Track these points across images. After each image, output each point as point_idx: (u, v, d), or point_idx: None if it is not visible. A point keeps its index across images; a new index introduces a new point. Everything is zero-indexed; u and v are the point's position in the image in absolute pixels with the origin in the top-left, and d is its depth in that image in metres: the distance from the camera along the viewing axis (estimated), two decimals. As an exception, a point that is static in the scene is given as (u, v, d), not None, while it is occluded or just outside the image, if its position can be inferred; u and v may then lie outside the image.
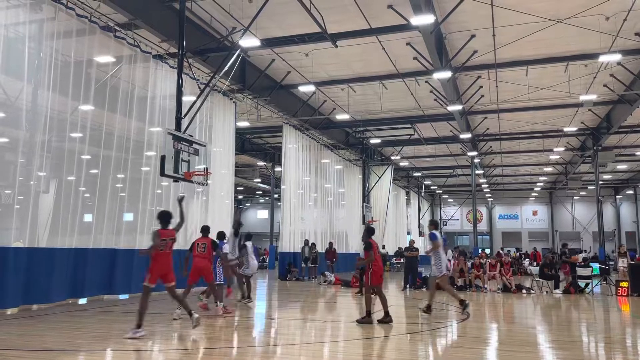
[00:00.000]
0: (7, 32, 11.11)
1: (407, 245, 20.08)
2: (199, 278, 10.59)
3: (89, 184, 12.96)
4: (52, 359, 6.61)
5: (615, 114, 23.21)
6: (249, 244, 13.04)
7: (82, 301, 12.39)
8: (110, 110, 13.47)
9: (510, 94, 20.66)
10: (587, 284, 17.34)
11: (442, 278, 11.54)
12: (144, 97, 14.65)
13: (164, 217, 8.53)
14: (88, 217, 13.26)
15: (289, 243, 23.18)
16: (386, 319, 9.62)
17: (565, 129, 25.23)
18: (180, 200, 8.94)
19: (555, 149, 29.90)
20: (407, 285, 17.98)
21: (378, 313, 10.28)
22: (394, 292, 17.24)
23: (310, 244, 22.91)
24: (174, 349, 7.60)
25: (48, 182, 12.90)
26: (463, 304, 11.18)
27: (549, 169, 38.47)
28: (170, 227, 8.48)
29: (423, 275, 19.17)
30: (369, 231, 10.43)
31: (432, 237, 11.62)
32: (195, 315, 8.43)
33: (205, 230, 11.13)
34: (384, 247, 32.66)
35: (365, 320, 9.66)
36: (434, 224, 12.12)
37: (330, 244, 24.17)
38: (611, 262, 27.03)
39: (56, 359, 6.64)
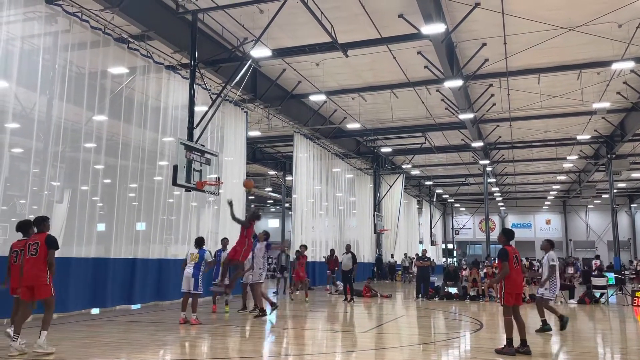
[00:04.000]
0: (22, 44, 11.30)
1: (420, 255, 19.88)
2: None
3: (102, 194, 13.08)
4: (66, 369, 6.62)
5: (629, 122, 22.98)
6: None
7: (95, 311, 12.45)
8: (124, 121, 13.62)
9: (522, 102, 20.56)
10: (602, 294, 17.10)
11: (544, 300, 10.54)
12: (156, 108, 14.79)
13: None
14: (101, 227, 13.37)
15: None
16: (523, 349, 7.82)
17: (578, 137, 25.02)
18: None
19: (568, 157, 29.64)
20: (419, 295, 17.84)
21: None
22: (405, 303, 17.14)
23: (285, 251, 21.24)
24: (182, 359, 7.60)
25: (62, 192, 13.04)
26: (562, 320, 10.16)
27: (562, 178, 38.12)
28: None
29: (435, 285, 19.06)
30: (506, 234, 8.46)
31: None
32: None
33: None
34: (392, 256, 32.50)
35: (506, 350, 7.79)
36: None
37: (332, 251, 22.29)
38: (627, 272, 26.65)
39: (69, 368, 6.65)
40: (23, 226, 8.20)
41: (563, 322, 10.18)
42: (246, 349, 8.49)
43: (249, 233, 11.41)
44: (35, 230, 7.78)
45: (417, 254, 22.15)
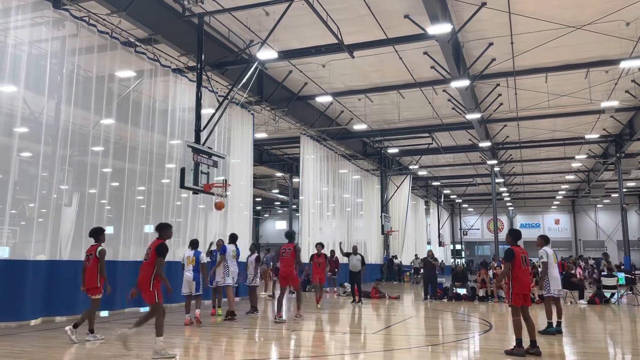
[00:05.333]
0: (30, 49, 11.40)
1: (426, 256, 19.77)
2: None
3: (110, 197, 13.14)
4: (75, 371, 6.65)
5: (638, 120, 22.81)
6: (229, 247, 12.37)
7: (104, 313, 12.50)
8: (131, 124, 13.69)
9: (530, 102, 20.45)
10: (612, 294, 16.96)
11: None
12: (164, 111, 14.86)
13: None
14: (110, 230, 13.43)
15: (308, 254, 23.08)
16: (533, 350, 7.76)
17: (586, 136, 24.87)
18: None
19: (576, 157, 29.45)
20: (428, 296, 17.78)
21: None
22: (414, 304, 17.08)
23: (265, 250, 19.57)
24: (195, 361, 7.60)
25: (70, 195, 13.12)
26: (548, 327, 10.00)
27: (570, 177, 37.89)
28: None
29: (443, 286, 18.98)
30: (513, 235, 8.40)
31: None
32: None
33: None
34: (395, 257, 32.35)
35: (516, 351, 7.75)
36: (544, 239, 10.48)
37: (332, 252, 21.10)
38: (637, 272, 26.41)
39: (79, 371, 6.68)
40: (94, 233, 9.17)
41: (547, 330, 9.92)
42: (255, 350, 8.49)
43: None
44: (158, 236, 7.93)
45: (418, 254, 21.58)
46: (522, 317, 7.97)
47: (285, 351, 8.57)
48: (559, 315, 10.17)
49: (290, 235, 12.10)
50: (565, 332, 10.21)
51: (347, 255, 17.36)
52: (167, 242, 7.97)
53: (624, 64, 15.70)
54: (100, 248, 8.97)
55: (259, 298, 13.07)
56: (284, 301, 12.20)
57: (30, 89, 11.43)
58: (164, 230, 7.92)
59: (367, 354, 8.17)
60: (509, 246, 8.28)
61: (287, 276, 11.73)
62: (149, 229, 14.21)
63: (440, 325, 12.02)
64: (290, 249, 11.69)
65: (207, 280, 11.78)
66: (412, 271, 31.27)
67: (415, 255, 32.51)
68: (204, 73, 13.92)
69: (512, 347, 7.89)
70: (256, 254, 13.48)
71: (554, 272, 10.30)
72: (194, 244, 11.66)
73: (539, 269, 13.62)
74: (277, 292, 13.40)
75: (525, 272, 8.11)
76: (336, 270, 21.40)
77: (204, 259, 11.44)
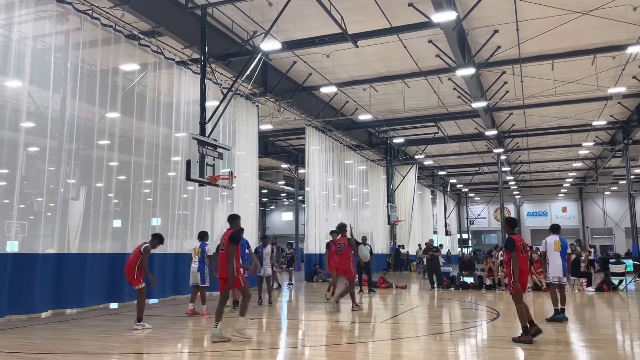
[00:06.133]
0: (35, 43, 11.41)
1: (427, 246, 19.77)
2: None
3: (117, 190, 13.21)
4: (86, 362, 6.72)
5: (645, 106, 22.61)
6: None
7: (114, 306, 12.61)
8: (136, 118, 13.69)
9: (536, 89, 20.30)
10: (620, 281, 16.92)
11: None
12: (168, 103, 14.87)
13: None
14: (117, 223, 13.51)
15: (315, 244, 23.18)
16: (533, 329, 7.94)
17: (594, 123, 24.68)
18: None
19: (584, 144, 29.24)
20: (434, 286, 17.84)
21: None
22: (421, 293, 17.11)
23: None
24: (202, 351, 7.67)
25: (78, 189, 13.19)
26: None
27: (578, 164, 37.66)
28: None
29: (450, 275, 19.00)
30: (509, 223, 8.64)
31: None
32: None
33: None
34: (402, 246, 32.32)
35: (523, 338, 7.83)
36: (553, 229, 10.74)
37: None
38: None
39: (89, 362, 6.75)
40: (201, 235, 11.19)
41: (554, 317, 10.00)
42: (264, 340, 8.54)
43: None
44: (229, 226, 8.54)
45: (426, 244, 20.73)
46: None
47: (293, 340, 8.62)
48: (562, 302, 10.22)
49: (341, 228, 12.35)
50: (572, 319, 10.20)
51: (357, 244, 17.26)
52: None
53: (631, 50, 15.52)
54: (146, 245, 9.44)
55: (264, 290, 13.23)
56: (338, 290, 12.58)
57: (35, 83, 11.46)
58: (234, 220, 8.52)
59: (375, 343, 8.20)
60: (508, 235, 8.31)
61: (344, 269, 12.02)
62: (157, 221, 14.28)
63: (448, 314, 12.04)
64: (344, 243, 12.03)
65: (215, 273, 11.78)
66: (418, 261, 31.26)
67: (419, 245, 32.47)
68: (208, 65, 13.90)
69: (520, 334, 7.91)
70: (270, 246, 13.80)
71: (555, 260, 10.33)
72: (201, 236, 11.79)
73: (534, 256, 13.58)
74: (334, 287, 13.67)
75: (524, 260, 8.20)
76: None
77: (210, 251, 11.51)
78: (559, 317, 10.01)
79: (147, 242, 9.57)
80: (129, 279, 9.36)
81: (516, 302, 8.02)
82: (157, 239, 9.83)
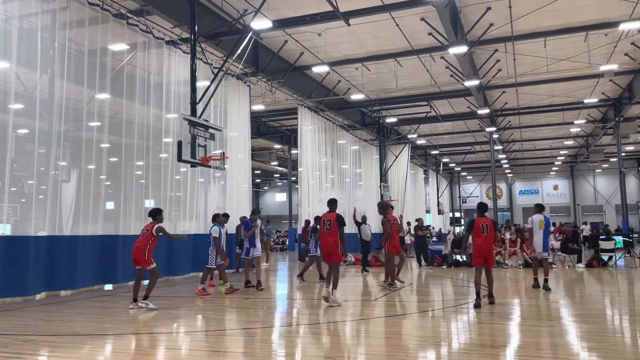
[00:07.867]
0: (21, 23, 11.20)
1: (417, 224, 19.93)
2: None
3: (109, 172, 13.12)
4: (81, 344, 6.76)
5: (637, 84, 22.62)
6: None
7: (108, 287, 12.64)
8: (126, 98, 13.53)
9: (529, 67, 20.25)
10: (610, 258, 17.14)
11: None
12: (159, 84, 14.70)
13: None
14: (110, 205, 13.46)
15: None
16: (490, 299, 9.39)
17: (585, 101, 24.70)
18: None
19: (575, 122, 29.31)
20: (421, 264, 18.12)
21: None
22: (412, 272, 17.26)
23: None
24: (199, 331, 7.72)
25: (69, 171, 13.10)
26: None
27: (569, 142, 37.81)
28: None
29: (443, 252, 19.17)
30: (479, 208, 9.83)
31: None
32: None
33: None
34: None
35: (475, 302, 9.09)
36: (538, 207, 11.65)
37: (307, 222, 18.94)
38: (635, 235, 26.62)
39: (84, 343, 6.80)
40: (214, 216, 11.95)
41: (533, 286, 11.39)
42: (257, 319, 8.61)
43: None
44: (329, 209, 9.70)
45: (416, 223, 20.38)
46: (485, 274, 9.38)
47: (287, 319, 8.69)
48: (545, 274, 11.18)
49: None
50: (562, 294, 10.35)
51: (359, 224, 17.41)
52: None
53: (623, 26, 15.47)
54: (157, 226, 9.52)
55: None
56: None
57: (23, 64, 11.28)
58: (334, 204, 9.74)
59: (368, 321, 8.29)
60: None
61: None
62: (149, 203, 14.23)
63: (441, 291, 12.17)
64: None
65: (222, 255, 11.74)
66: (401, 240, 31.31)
67: (408, 222, 32.41)
68: (198, 44, 13.71)
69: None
70: (259, 221, 12.49)
71: (536, 237, 11.20)
72: (213, 218, 12.22)
73: (525, 234, 14.39)
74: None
75: (485, 238, 9.27)
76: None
77: (215, 232, 11.60)
78: (535, 285, 11.34)
79: (154, 223, 9.53)
80: (139, 260, 9.40)
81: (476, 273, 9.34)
82: (159, 213, 9.77)
